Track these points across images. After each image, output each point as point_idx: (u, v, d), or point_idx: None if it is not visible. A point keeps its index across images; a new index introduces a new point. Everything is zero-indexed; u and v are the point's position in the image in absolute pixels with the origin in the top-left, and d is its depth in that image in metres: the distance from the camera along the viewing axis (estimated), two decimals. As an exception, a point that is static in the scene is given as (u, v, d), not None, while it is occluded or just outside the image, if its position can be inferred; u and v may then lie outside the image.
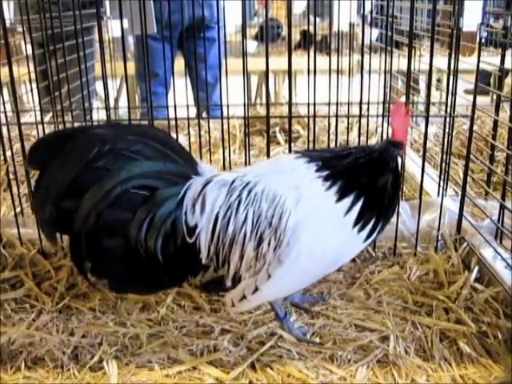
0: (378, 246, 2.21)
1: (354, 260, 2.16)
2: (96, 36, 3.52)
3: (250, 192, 1.52)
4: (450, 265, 2.07)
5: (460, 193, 2.23)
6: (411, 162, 2.82)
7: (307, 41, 3.18)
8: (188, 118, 2.46)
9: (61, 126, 2.47)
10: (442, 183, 2.48)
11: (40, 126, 2.48)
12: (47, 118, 3.02)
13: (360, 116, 2.28)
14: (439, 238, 2.18)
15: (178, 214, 1.51)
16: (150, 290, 1.75)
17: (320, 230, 1.51)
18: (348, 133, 2.73)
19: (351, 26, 3.37)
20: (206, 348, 1.69)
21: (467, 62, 2.44)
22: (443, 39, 3.74)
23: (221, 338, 1.72)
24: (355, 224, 1.52)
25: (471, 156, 2.18)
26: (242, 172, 1.61)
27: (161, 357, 1.66)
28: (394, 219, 2.17)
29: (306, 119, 3.09)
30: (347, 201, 1.51)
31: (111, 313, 1.86)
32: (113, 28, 3.73)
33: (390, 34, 2.32)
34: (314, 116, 2.22)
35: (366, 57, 2.29)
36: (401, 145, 1.62)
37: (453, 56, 2.29)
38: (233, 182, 1.55)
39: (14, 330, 1.76)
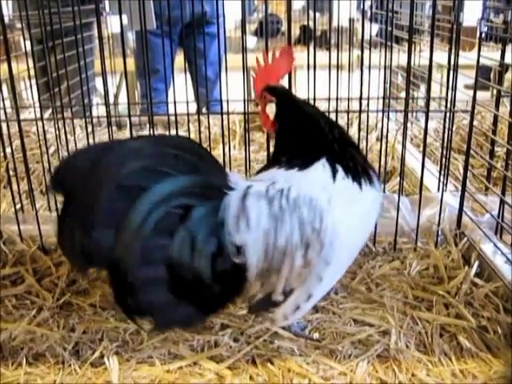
0: (378, 241, 2.21)
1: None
2: (95, 32, 3.52)
3: (288, 199, 1.45)
4: (450, 260, 2.07)
5: (460, 188, 2.23)
6: (411, 157, 2.82)
7: (307, 36, 3.17)
8: (188, 114, 2.46)
9: (60, 123, 2.47)
10: (442, 178, 2.49)
11: (40, 123, 2.48)
12: (47, 115, 3.02)
13: (360, 111, 2.28)
14: (439, 233, 2.19)
15: (221, 232, 1.39)
16: (199, 319, 1.55)
17: (352, 223, 1.51)
18: (348, 128, 2.72)
19: (351, 21, 3.37)
20: (207, 343, 1.69)
21: (467, 57, 2.44)
22: (443, 34, 3.73)
23: (221, 334, 1.72)
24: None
25: (471, 151, 2.18)
26: (267, 179, 1.54)
27: (161, 352, 1.66)
28: (394, 214, 2.18)
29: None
30: (356, 188, 1.55)
31: (112, 308, 1.86)
32: (112, 24, 3.73)
33: (389, 29, 2.32)
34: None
35: (366, 52, 2.29)
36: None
37: (453, 51, 2.29)
38: (267, 191, 1.46)
39: (15, 326, 1.76)
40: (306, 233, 1.43)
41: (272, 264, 1.43)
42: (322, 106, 2.54)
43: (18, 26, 3.77)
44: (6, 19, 2.60)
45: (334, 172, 1.53)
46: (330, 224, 1.45)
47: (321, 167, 1.54)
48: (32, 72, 2.51)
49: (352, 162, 1.57)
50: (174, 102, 2.32)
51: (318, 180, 1.52)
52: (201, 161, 1.40)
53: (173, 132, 2.38)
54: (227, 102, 2.44)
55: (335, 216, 1.47)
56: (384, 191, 2.62)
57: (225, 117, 2.37)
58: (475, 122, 2.23)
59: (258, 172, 1.68)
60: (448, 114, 2.39)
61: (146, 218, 1.28)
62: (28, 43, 3.05)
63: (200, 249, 1.35)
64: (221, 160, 2.56)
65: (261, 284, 1.47)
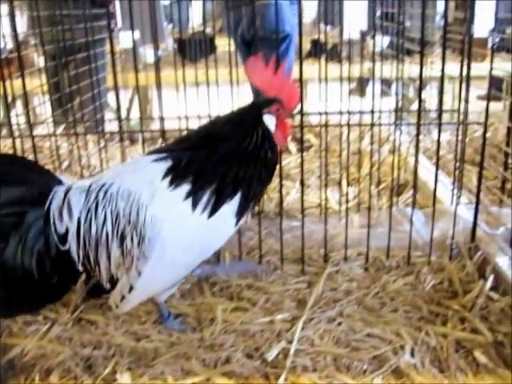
0: (391, 255, 2.19)
1: (366, 269, 2.15)
2: (107, 47, 3.55)
3: (105, 193, 1.56)
4: (464, 273, 2.05)
5: (474, 200, 2.21)
6: (424, 170, 2.81)
7: (318, 49, 3.18)
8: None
9: (73, 138, 2.49)
10: (455, 191, 2.46)
11: (53, 138, 2.50)
12: (60, 130, 3.04)
13: (372, 124, 2.27)
14: (453, 246, 2.16)
15: (47, 226, 1.54)
16: (38, 307, 1.77)
17: (180, 221, 1.54)
18: (360, 141, 2.72)
19: (362, 33, 3.37)
20: (219, 359, 1.68)
21: (479, 68, 2.43)
22: (454, 46, 3.73)
23: (233, 349, 1.71)
24: (206, 210, 1.54)
25: (485, 163, 2.16)
26: (98, 176, 1.67)
27: (174, 368, 1.65)
28: (407, 228, 2.16)
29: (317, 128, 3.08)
30: (187, 189, 1.53)
31: (125, 325, 1.86)
32: (124, 39, 3.76)
33: (400, 41, 2.32)
34: (326, 125, 2.22)
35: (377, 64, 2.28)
36: (271, 102, 1.65)
37: (465, 62, 2.28)
38: (90, 186, 1.59)
39: (27, 342, 1.76)
40: (121, 225, 1.53)
41: (90, 252, 1.56)
42: (333, 119, 2.54)
43: (32, 42, 3.82)
44: (21, 36, 2.63)
45: (173, 177, 1.54)
46: (150, 219, 1.50)
47: (160, 166, 1.56)
48: (45, 88, 2.54)
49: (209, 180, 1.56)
50: (186, 117, 2.32)
51: (146, 176, 1.57)
52: (29, 171, 1.60)
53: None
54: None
55: (155, 212, 1.51)
56: (397, 204, 2.60)
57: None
58: (488, 134, 2.21)
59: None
60: (461, 126, 2.37)
61: None
62: (42, 59, 3.09)
63: (30, 247, 1.51)
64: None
65: (89, 272, 1.60)
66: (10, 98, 2.53)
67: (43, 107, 3.42)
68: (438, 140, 2.12)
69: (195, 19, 6.18)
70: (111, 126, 3.35)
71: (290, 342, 1.71)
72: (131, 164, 1.82)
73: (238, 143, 1.61)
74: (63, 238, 1.55)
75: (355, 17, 3.29)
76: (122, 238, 1.53)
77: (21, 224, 1.52)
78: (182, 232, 1.55)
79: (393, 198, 2.45)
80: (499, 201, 2.51)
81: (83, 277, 1.68)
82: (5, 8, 2.40)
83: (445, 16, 2.20)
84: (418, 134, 2.11)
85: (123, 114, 3.85)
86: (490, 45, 4.11)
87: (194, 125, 2.37)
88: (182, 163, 1.57)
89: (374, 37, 2.34)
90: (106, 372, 1.64)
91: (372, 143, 2.45)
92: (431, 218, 2.12)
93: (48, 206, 1.55)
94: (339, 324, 1.83)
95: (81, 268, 1.59)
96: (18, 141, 2.25)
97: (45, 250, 1.54)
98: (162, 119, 2.28)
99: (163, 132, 2.29)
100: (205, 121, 2.34)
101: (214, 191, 1.55)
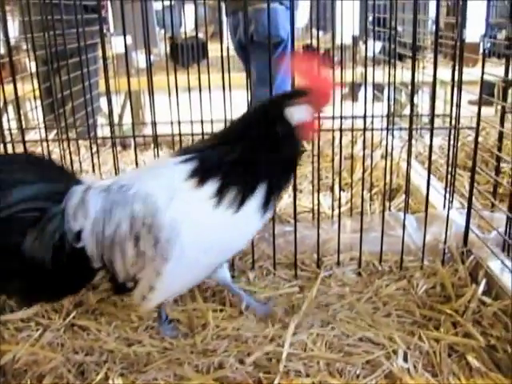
0: (384, 260, 2.19)
1: (359, 274, 2.15)
2: (99, 53, 3.55)
3: (124, 194, 1.57)
4: (457, 278, 2.05)
5: (466, 205, 2.21)
6: (416, 175, 2.81)
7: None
8: (192, 134, 2.45)
9: (65, 143, 2.48)
10: (447, 195, 2.47)
11: (45, 143, 2.49)
12: (52, 135, 3.03)
13: (364, 129, 2.27)
14: (446, 251, 2.17)
15: (63, 223, 1.56)
16: (55, 298, 1.81)
17: (200, 222, 1.55)
18: (353, 146, 2.72)
19: (354, 38, 3.38)
20: (212, 365, 1.68)
21: (470, 73, 2.44)
22: (446, 51, 3.74)
23: (226, 355, 1.71)
24: (230, 209, 1.55)
25: (477, 168, 2.17)
26: (119, 177, 1.70)
27: (167, 374, 1.64)
28: (399, 232, 2.16)
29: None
30: (212, 188, 1.54)
31: (117, 330, 1.85)
32: (116, 44, 3.76)
33: (392, 46, 2.32)
34: (319, 130, 2.22)
35: (370, 69, 2.29)
36: (301, 94, 1.63)
37: (456, 67, 2.29)
38: (109, 186, 1.60)
39: (18, 348, 1.75)
40: (137, 226, 1.53)
41: (106, 251, 1.56)
42: (326, 124, 2.55)
43: (24, 47, 3.81)
44: (12, 41, 2.62)
45: (196, 177, 1.55)
46: (168, 221, 1.52)
47: (183, 168, 1.58)
48: (37, 93, 2.53)
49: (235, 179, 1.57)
50: (179, 122, 2.32)
51: (166, 179, 1.59)
52: (49, 170, 1.64)
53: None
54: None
55: (175, 215, 1.52)
56: (389, 209, 2.61)
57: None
58: (480, 139, 2.22)
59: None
60: (453, 131, 2.38)
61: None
62: (33, 64, 3.08)
63: (46, 242, 1.53)
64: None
65: (107, 270, 1.61)
66: (1, 103, 2.52)
67: (35, 112, 3.42)
68: (430, 145, 2.12)
69: (188, 24, 6.18)
70: (103, 131, 3.34)
71: (283, 347, 1.71)
72: (154, 166, 1.83)
73: (261, 139, 1.60)
74: (78, 235, 1.56)
75: (347, 22, 3.30)
76: (137, 240, 1.54)
77: (39, 219, 1.53)
78: (203, 233, 1.56)
79: (385, 202, 2.46)
80: (491, 205, 2.52)
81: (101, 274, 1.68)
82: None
83: (436, 21, 2.20)
84: (410, 139, 2.11)
85: (115, 119, 3.84)
86: (481, 50, 4.13)
87: (187, 130, 2.38)
88: (205, 163, 1.58)
89: (366, 42, 2.34)
90: (98, 378, 1.63)
91: (364, 148, 2.45)
92: (424, 222, 2.12)
93: (65, 204, 1.57)
94: (332, 329, 1.83)
95: (96, 266, 1.60)
96: (9, 146, 2.24)
97: (60, 246, 1.55)
98: (154, 124, 2.28)
99: (156, 137, 2.29)
100: (197, 126, 2.35)
101: (238, 190, 1.55)
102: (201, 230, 1.56)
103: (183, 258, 1.55)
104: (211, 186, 1.55)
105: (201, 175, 1.56)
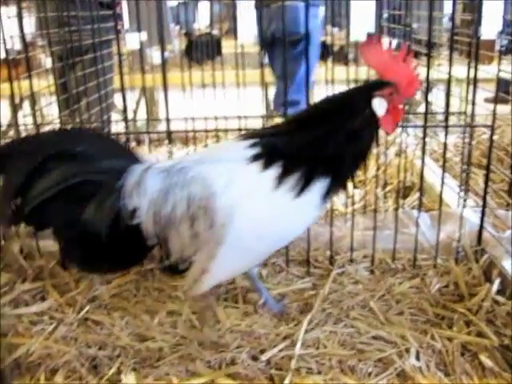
0: (397, 258, 2.18)
1: (372, 271, 2.14)
2: (115, 49, 3.56)
3: (182, 176, 1.57)
4: (470, 277, 2.04)
5: (480, 203, 2.20)
6: (430, 173, 2.80)
7: (325, 52, 3.17)
8: (206, 130, 2.46)
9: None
10: (461, 194, 2.45)
11: (59, 139, 2.49)
12: (67, 131, 3.04)
13: (378, 126, 2.26)
14: (459, 249, 2.15)
15: (120, 199, 1.59)
16: (111, 270, 1.90)
17: (257, 208, 1.53)
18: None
19: (369, 35, 3.37)
20: (224, 361, 1.68)
21: (486, 71, 2.42)
22: (462, 48, 3.71)
23: (238, 351, 1.71)
24: (291, 194, 1.52)
25: (491, 166, 2.15)
26: (182, 159, 1.69)
27: (179, 369, 1.65)
28: (413, 230, 2.15)
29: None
30: (273, 173, 1.52)
31: (130, 325, 1.86)
32: (131, 41, 3.77)
33: (407, 43, 2.31)
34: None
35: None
36: (384, 85, 1.59)
37: (472, 65, 2.27)
38: (170, 167, 1.61)
39: (33, 342, 1.76)
40: (193, 208, 1.54)
41: (162, 230, 1.58)
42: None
43: (40, 43, 3.83)
44: (28, 37, 2.64)
45: (260, 162, 1.53)
46: (223, 206, 1.51)
47: (247, 152, 1.56)
48: (53, 89, 2.54)
49: (298, 166, 1.53)
50: (193, 118, 2.33)
51: (227, 163, 1.57)
52: (115, 148, 1.72)
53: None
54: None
55: (231, 200, 1.51)
56: (403, 207, 2.60)
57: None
58: (495, 137, 2.20)
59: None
60: (467, 129, 2.36)
61: (51, 187, 1.54)
62: (49, 60, 3.10)
63: (103, 215, 1.57)
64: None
65: (162, 250, 1.63)
66: (17, 99, 2.54)
67: (50, 108, 3.43)
68: (445, 142, 2.11)
69: (202, 21, 6.19)
70: (118, 127, 3.35)
71: (295, 344, 1.71)
72: (219, 148, 1.84)
73: (338, 125, 1.56)
74: (133, 213, 1.58)
75: (362, 19, 3.28)
76: (193, 221, 1.54)
77: (101, 193, 1.58)
78: (259, 219, 1.54)
79: (399, 200, 2.44)
80: (506, 204, 2.50)
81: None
82: (13, 9, 2.41)
83: (452, 18, 2.19)
84: (424, 137, 2.10)
85: (130, 115, 3.86)
86: (497, 47, 4.09)
87: (201, 126, 2.38)
88: (271, 148, 1.56)
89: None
90: (110, 372, 1.65)
91: (378, 145, 2.44)
92: (437, 220, 2.11)
93: (123, 181, 1.59)
94: (344, 326, 1.83)
95: (151, 243, 1.62)
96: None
97: (115, 221, 1.58)
98: (168, 120, 2.29)
99: (169, 133, 2.29)
100: (211, 122, 2.36)
101: (302, 174, 1.52)
102: (257, 217, 1.54)
103: (237, 243, 1.54)
104: (273, 172, 1.52)
105: (265, 160, 1.53)
